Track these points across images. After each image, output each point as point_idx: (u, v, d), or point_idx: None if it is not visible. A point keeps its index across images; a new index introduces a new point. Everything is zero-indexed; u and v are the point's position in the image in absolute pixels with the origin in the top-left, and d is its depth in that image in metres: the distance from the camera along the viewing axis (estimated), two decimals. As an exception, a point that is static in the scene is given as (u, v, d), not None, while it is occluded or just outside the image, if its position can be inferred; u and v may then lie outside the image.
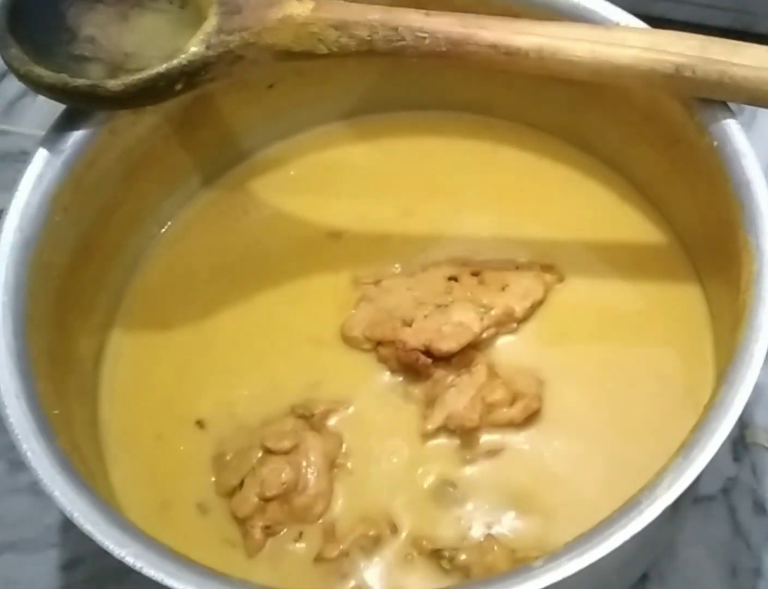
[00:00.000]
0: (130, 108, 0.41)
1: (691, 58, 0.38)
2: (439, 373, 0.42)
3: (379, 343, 0.43)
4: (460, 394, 0.41)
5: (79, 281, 0.42)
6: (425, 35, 0.39)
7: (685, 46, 0.38)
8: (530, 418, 0.41)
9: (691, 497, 0.44)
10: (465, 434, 0.41)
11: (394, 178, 0.49)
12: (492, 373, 0.42)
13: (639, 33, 0.40)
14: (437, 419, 0.41)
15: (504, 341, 0.43)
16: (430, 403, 0.42)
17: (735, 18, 0.58)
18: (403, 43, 0.39)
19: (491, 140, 0.49)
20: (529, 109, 0.49)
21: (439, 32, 0.39)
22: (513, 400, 0.41)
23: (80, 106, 0.40)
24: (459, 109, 0.50)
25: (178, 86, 0.38)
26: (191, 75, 0.38)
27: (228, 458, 0.42)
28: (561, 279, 0.45)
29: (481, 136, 0.49)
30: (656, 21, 0.41)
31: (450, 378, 0.42)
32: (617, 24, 0.42)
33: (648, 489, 0.32)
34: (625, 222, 0.47)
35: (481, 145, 0.49)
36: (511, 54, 0.39)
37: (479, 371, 0.42)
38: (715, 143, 0.39)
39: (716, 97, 0.39)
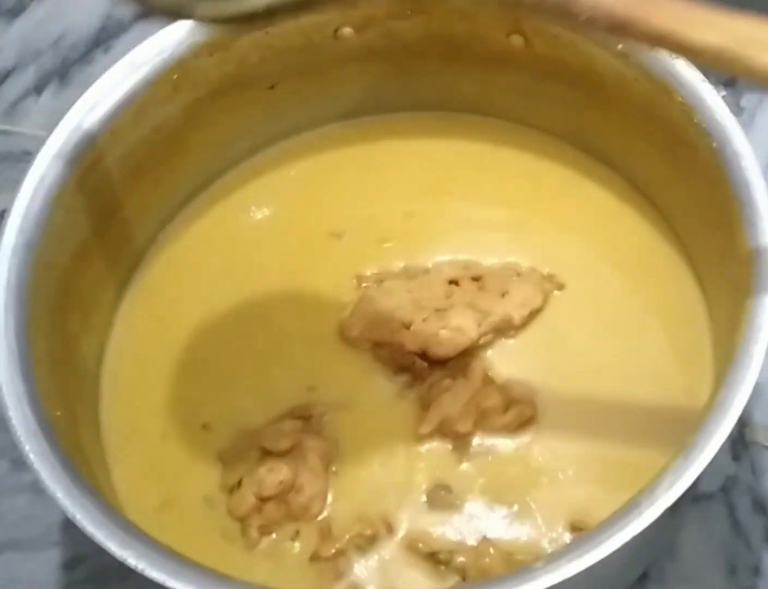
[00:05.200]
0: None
1: None
2: (435, 376, 0.42)
3: (376, 343, 0.43)
4: (454, 399, 0.41)
5: (81, 282, 0.43)
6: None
7: None
8: (524, 424, 0.41)
9: (690, 496, 0.44)
10: (458, 439, 0.41)
11: (394, 179, 0.49)
12: (487, 379, 0.42)
13: None
14: (431, 422, 0.41)
15: (501, 347, 0.44)
16: (425, 406, 0.42)
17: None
18: None
19: (491, 140, 0.49)
20: (529, 109, 0.48)
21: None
22: (507, 406, 0.41)
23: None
24: (459, 109, 0.50)
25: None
26: None
27: (228, 457, 0.42)
28: (561, 287, 0.45)
29: (481, 137, 0.49)
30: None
31: (446, 382, 0.42)
32: None
33: (648, 490, 0.33)
34: (625, 223, 0.47)
35: (481, 145, 0.49)
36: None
37: (475, 377, 0.42)
38: (715, 144, 0.39)
39: None
